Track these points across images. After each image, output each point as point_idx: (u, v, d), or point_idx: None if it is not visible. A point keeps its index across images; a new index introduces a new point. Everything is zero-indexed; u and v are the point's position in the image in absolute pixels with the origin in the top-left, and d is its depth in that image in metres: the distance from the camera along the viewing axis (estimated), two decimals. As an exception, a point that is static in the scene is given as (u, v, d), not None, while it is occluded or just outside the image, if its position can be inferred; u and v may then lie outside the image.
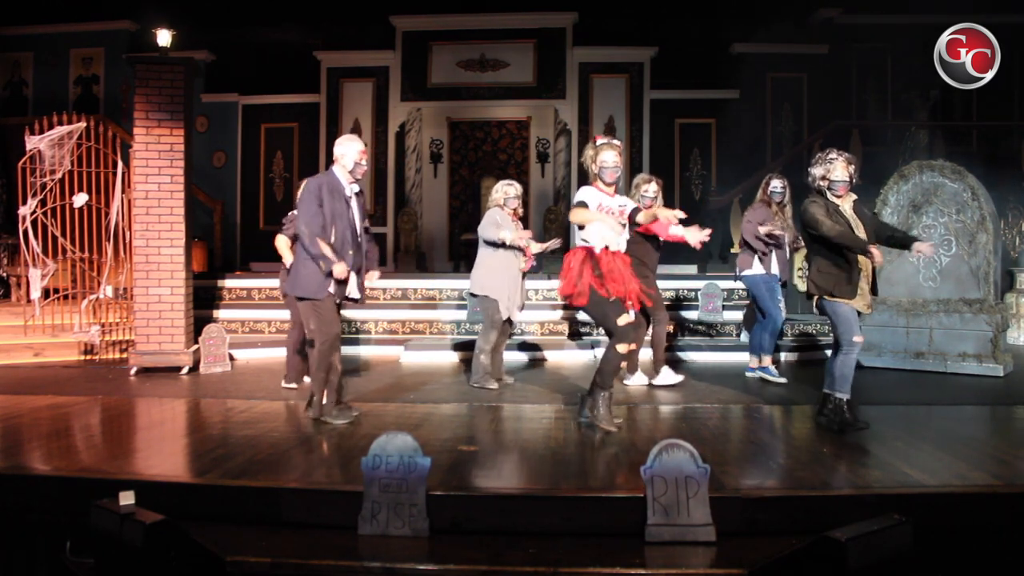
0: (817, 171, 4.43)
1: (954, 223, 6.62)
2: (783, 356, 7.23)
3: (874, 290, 4.45)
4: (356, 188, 4.65)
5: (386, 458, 3.18)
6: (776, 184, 6.14)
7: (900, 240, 4.57)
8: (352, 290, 4.63)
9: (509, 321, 5.83)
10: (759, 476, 3.62)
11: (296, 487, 3.39)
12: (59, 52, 11.36)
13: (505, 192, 5.85)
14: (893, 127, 10.47)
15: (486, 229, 5.69)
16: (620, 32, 11.36)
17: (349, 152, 4.54)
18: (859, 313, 4.40)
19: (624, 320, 4.31)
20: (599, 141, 4.58)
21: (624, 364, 5.93)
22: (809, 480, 3.53)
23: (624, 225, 4.51)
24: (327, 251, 4.40)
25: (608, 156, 4.48)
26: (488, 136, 12.10)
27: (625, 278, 4.37)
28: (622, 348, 4.36)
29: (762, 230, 5.93)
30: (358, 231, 4.64)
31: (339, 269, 4.42)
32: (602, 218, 4.35)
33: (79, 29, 11.28)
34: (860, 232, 4.34)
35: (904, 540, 2.68)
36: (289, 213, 5.79)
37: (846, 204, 4.40)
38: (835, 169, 4.35)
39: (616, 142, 4.56)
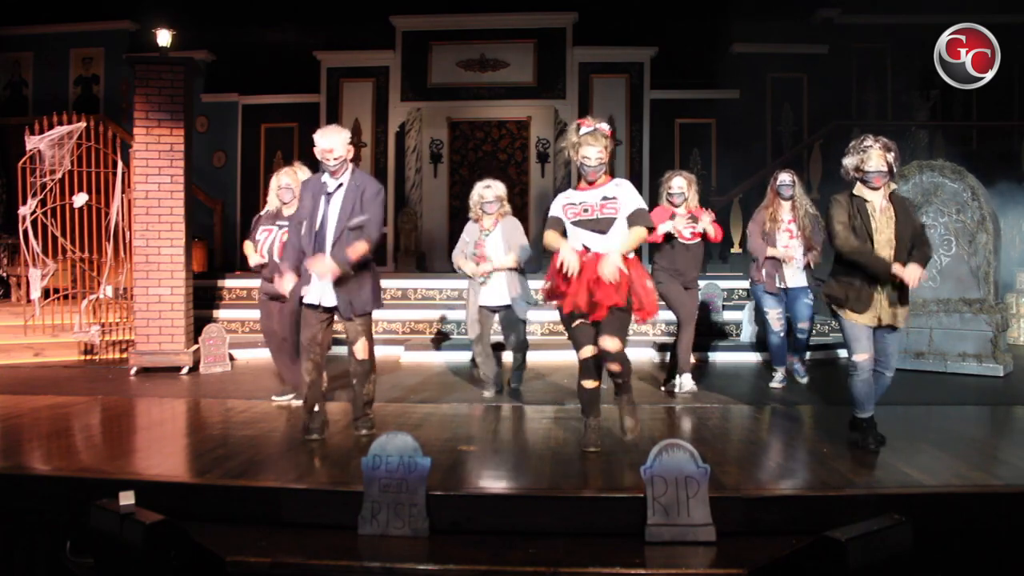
0: (850, 161, 3.93)
1: (954, 223, 6.61)
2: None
3: (905, 299, 3.92)
4: (340, 181, 4.15)
5: (386, 458, 3.18)
6: (784, 178, 5.68)
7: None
8: (312, 294, 4.16)
9: (508, 326, 5.50)
10: (759, 476, 3.62)
11: (296, 487, 3.39)
12: (59, 52, 11.34)
13: (480, 196, 5.34)
14: (893, 127, 10.46)
15: (456, 256, 5.54)
16: (620, 32, 11.35)
17: (316, 147, 4.15)
18: (890, 327, 3.91)
19: (585, 353, 3.85)
20: (583, 129, 3.83)
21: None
22: (809, 480, 3.54)
23: (610, 220, 3.82)
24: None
25: (590, 152, 3.79)
26: (488, 136, 12.09)
27: (579, 283, 3.74)
28: (587, 383, 3.94)
29: (770, 252, 5.58)
30: (328, 230, 4.11)
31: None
32: (565, 249, 3.75)
33: (79, 29, 11.26)
34: (885, 232, 3.86)
35: (904, 540, 2.68)
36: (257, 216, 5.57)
37: (879, 198, 3.90)
38: (870, 158, 3.85)
39: (603, 127, 3.82)
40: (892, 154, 3.88)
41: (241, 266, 11.14)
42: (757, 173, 9.56)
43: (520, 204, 11.48)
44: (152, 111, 6.66)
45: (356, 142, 11.59)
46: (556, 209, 3.95)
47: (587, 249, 3.83)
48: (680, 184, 5.40)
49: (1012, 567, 3.11)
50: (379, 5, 11.21)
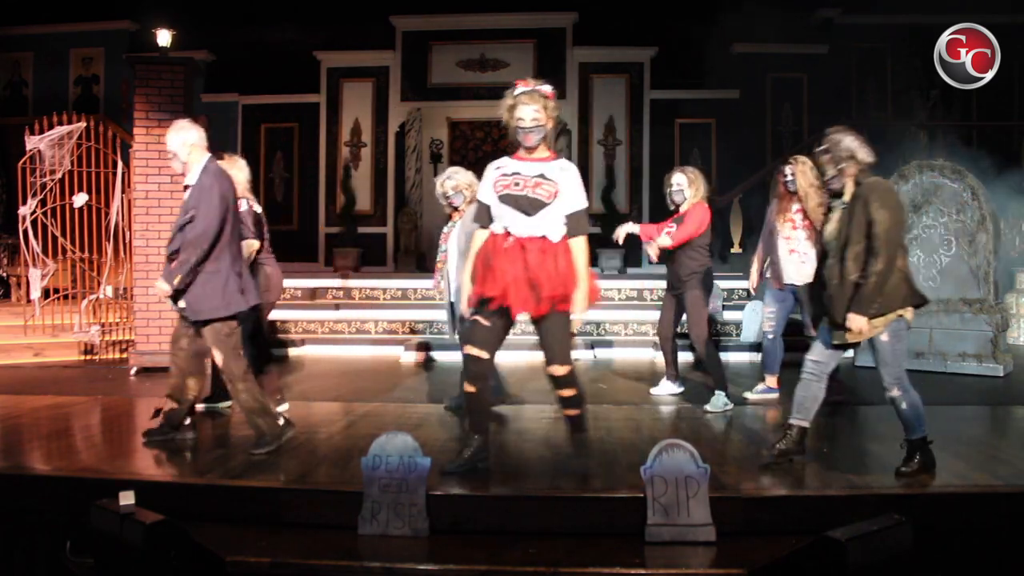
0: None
1: (954, 223, 6.61)
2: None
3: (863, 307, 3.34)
4: (188, 184, 3.89)
5: (386, 458, 3.18)
6: (786, 171, 5.09)
7: None
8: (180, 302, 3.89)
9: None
10: (759, 476, 3.62)
11: (296, 487, 3.39)
12: (59, 52, 11.35)
13: (441, 186, 4.97)
14: (893, 127, 10.46)
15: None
16: (620, 32, 11.35)
17: None
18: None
19: (469, 350, 3.42)
20: (519, 88, 3.38)
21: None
22: (809, 480, 3.53)
23: (540, 203, 3.31)
24: None
25: (525, 112, 3.32)
26: (488, 136, 12.09)
27: (506, 275, 3.30)
28: (467, 387, 3.46)
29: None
30: (174, 232, 3.80)
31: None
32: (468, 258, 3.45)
33: (79, 29, 11.27)
34: (836, 241, 3.53)
35: (904, 540, 2.68)
36: None
37: (844, 199, 3.54)
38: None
39: (544, 88, 3.40)
40: (827, 155, 3.56)
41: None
42: (757, 173, 9.56)
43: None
44: (152, 111, 6.65)
45: (356, 142, 11.60)
46: (485, 186, 3.46)
47: (508, 233, 3.35)
48: (679, 180, 5.00)
49: (1012, 567, 3.11)
50: (379, 5, 11.21)
